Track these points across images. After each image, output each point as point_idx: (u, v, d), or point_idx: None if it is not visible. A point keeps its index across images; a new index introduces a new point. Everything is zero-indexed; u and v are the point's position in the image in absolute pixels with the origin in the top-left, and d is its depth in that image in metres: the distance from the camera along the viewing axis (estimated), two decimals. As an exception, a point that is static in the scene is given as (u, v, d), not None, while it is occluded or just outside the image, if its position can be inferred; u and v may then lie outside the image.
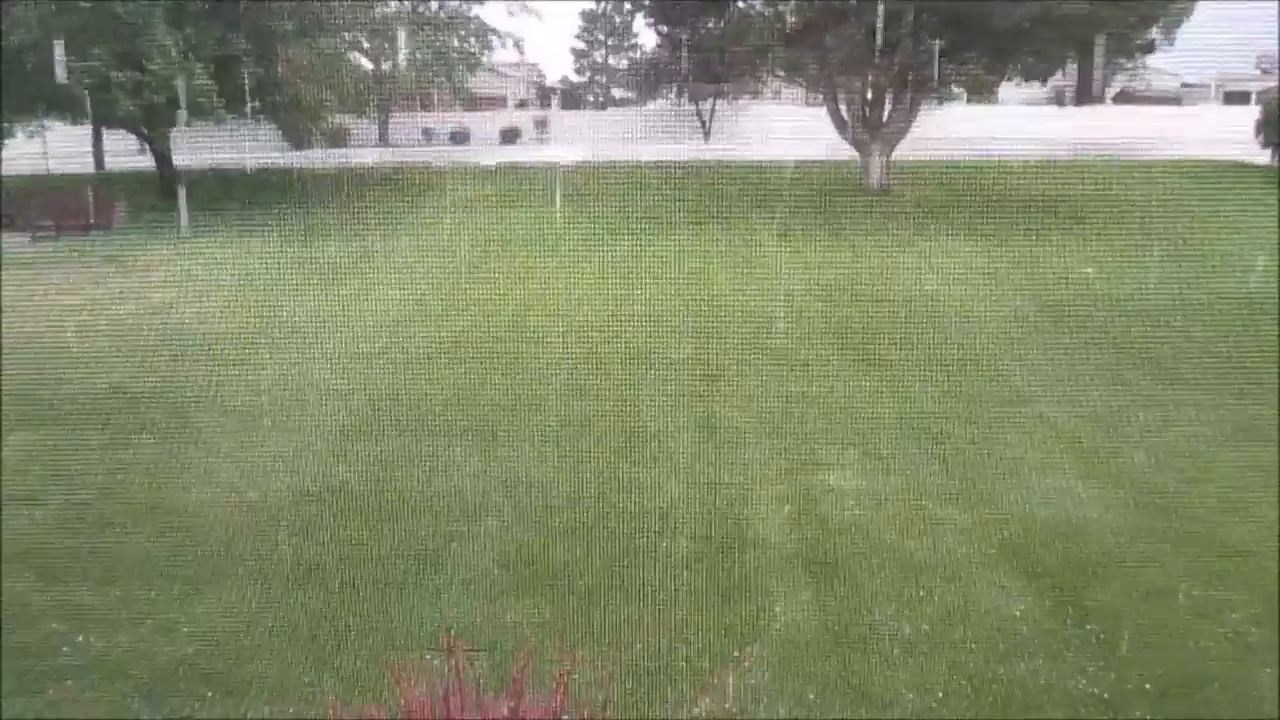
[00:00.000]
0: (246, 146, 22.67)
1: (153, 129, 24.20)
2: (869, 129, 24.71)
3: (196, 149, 27.54)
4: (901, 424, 7.97)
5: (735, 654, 4.47)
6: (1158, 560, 5.53)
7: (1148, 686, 4.20)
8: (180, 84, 19.60)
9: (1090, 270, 13.59)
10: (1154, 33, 27.10)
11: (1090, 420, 7.97)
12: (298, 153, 26.71)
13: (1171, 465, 6.99)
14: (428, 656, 3.10)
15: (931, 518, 6.12)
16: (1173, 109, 47.93)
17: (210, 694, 4.16)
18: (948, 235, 17.72)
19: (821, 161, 28.73)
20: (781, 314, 12.26)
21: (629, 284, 14.47)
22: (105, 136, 25.35)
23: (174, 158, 26.67)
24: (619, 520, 6.11)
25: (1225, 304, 11.75)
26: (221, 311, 11.78)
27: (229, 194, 21.96)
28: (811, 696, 4.18)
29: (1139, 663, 4.41)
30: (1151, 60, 42.01)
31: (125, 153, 29.65)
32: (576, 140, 41.92)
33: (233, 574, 5.32)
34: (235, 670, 4.36)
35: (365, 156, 32.73)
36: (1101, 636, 4.67)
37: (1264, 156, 27.68)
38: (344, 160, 30.31)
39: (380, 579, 5.32)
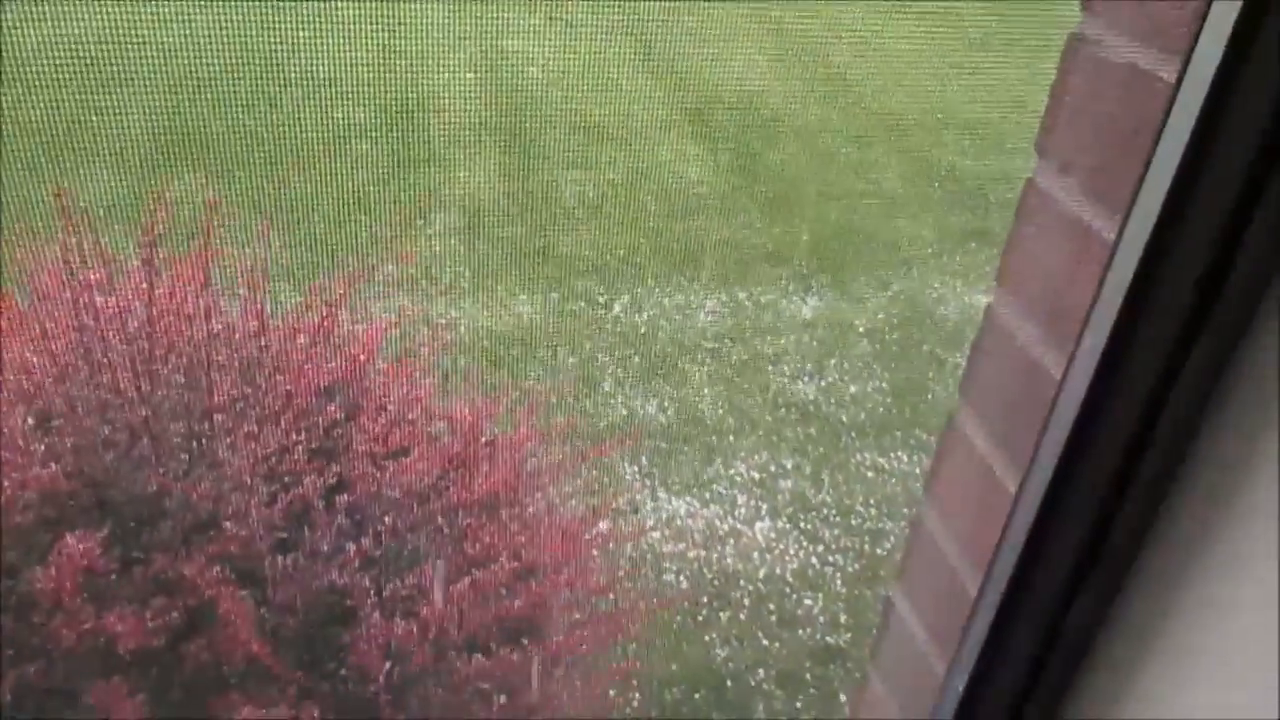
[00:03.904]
0: None
1: None
2: None
3: None
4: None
5: (419, 221, 4.35)
6: (822, 125, 5.80)
7: (805, 238, 4.52)
8: None
9: None
10: None
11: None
12: None
13: (840, 37, 7.19)
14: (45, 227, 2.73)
15: (615, 85, 6.03)
16: None
17: None
18: None
19: None
20: None
21: None
22: None
23: None
24: (281, 86, 5.56)
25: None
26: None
27: None
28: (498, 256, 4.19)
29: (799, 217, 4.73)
30: None
31: None
32: None
33: None
34: None
35: None
36: (768, 194, 4.93)
37: None
38: None
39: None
